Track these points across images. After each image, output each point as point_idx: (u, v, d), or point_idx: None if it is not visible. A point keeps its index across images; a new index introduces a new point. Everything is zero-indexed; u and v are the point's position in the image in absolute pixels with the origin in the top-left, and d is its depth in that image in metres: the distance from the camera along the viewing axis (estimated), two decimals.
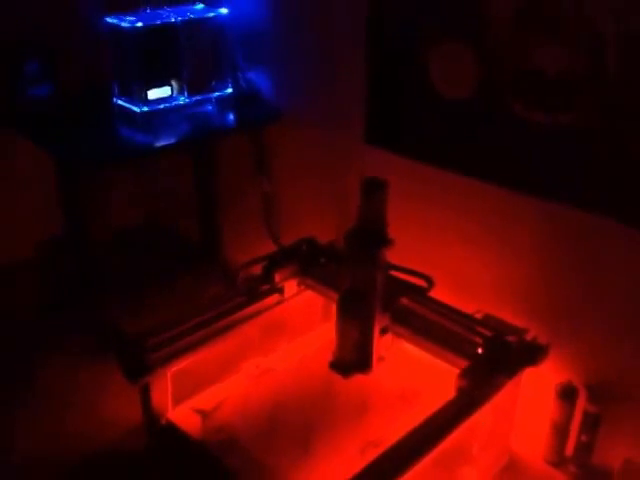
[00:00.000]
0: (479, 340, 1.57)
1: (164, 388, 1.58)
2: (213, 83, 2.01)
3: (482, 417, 1.58)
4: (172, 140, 1.88)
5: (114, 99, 1.95)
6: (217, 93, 2.04)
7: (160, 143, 1.85)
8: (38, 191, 2.38)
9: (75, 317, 2.15)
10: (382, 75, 1.82)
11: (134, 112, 1.89)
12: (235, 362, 1.75)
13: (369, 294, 1.58)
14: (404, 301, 1.67)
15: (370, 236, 1.54)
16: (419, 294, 1.66)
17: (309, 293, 1.90)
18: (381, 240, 1.54)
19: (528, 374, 1.62)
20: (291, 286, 1.84)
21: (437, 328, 1.64)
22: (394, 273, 1.67)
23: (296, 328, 1.89)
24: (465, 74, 1.62)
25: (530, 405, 1.70)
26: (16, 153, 2.26)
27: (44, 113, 1.97)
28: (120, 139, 1.91)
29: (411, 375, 1.72)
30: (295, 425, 1.56)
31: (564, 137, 1.51)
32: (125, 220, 2.60)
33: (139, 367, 1.52)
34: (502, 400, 1.58)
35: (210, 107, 2.03)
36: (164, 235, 2.73)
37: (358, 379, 1.65)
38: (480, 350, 1.55)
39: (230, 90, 2.08)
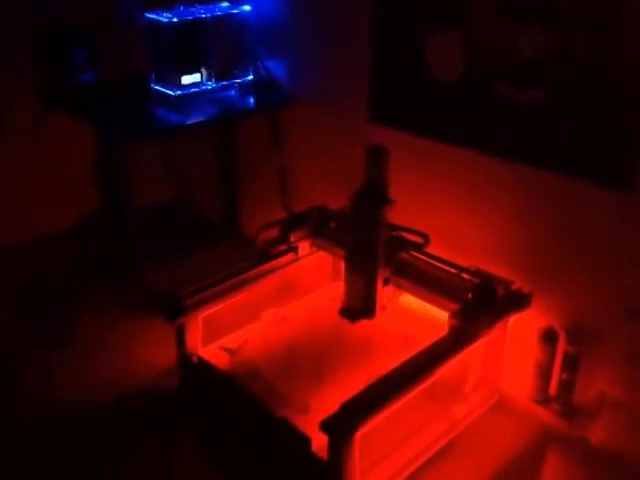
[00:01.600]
0: (469, 287, 1.80)
1: (196, 330, 1.83)
2: (236, 71, 2.28)
3: (473, 356, 1.82)
4: (201, 119, 2.15)
5: (151, 85, 2.23)
6: (239, 79, 2.31)
7: (191, 121, 2.11)
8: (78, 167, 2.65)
9: (112, 282, 2.41)
10: (384, 61, 2.07)
11: (169, 95, 2.17)
12: (255, 311, 1.99)
13: (373, 249, 1.82)
14: (403, 256, 1.90)
15: (374, 197, 1.78)
16: (416, 249, 1.90)
17: (320, 254, 2.14)
18: (383, 200, 1.78)
19: (514, 321, 1.85)
20: (304, 247, 2.09)
21: (432, 279, 1.87)
22: (394, 232, 1.91)
23: (308, 284, 2.13)
24: (455, 58, 1.87)
25: (516, 349, 1.92)
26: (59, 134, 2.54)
27: (90, 96, 2.26)
28: (157, 118, 2.19)
29: (411, 322, 1.95)
30: (309, 360, 1.79)
31: (540, 111, 1.75)
32: (151, 196, 2.86)
33: (176, 310, 1.77)
34: (491, 342, 1.82)
35: (233, 92, 2.30)
36: (187, 210, 2.99)
37: (364, 324, 1.89)
38: (470, 295, 1.78)
39: (251, 77, 2.35)
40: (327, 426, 1.43)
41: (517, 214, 1.90)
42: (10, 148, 2.50)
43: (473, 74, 1.84)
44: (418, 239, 1.89)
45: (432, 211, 2.04)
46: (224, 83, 2.28)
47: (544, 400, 1.93)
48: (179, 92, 2.17)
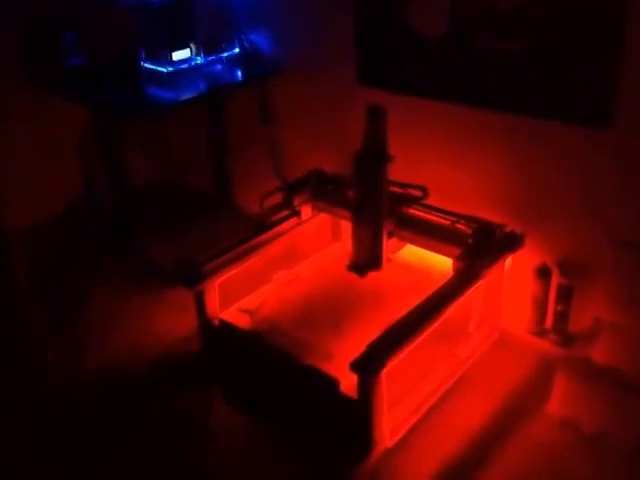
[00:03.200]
0: (469, 233, 1.98)
1: (213, 295, 1.97)
2: (223, 44, 2.39)
3: (475, 296, 2.01)
4: (193, 94, 2.25)
5: (142, 63, 2.32)
6: (226, 53, 2.42)
7: (184, 97, 2.22)
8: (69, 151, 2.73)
9: (118, 258, 2.52)
10: (369, 23, 2.21)
11: (161, 72, 2.27)
12: (264, 276, 2.14)
13: (377, 204, 1.98)
14: (404, 209, 2.08)
15: (375, 154, 1.93)
16: (416, 202, 2.06)
17: (320, 217, 2.29)
18: (384, 157, 1.93)
19: (510, 261, 2.05)
20: (306, 211, 2.24)
21: (433, 228, 2.06)
22: (394, 188, 2.08)
23: (310, 247, 2.28)
24: (440, 13, 2.02)
25: (513, 287, 2.13)
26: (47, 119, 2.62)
27: (82, 78, 2.34)
28: (151, 95, 2.29)
29: (415, 271, 2.13)
30: (326, 312, 1.96)
31: (523, 59, 1.92)
32: (142, 176, 2.95)
33: (195, 276, 1.90)
34: (491, 282, 2.01)
35: (220, 66, 2.41)
36: (180, 187, 3.10)
37: (372, 276, 2.05)
38: (470, 240, 1.96)
39: (237, 50, 2.46)
40: (357, 365, 1.60)
41: (506, 160, 2.08)
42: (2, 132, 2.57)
43: (458, 28, 2.00)
44: (417, 193, 2.06)
45: (427, 165, 2.20)
46: (212, 57, 2.39)
47: (542, 332, 2.14)
48: (171, 68, 2.27)
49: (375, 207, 1.99)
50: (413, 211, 2.09)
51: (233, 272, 2.00)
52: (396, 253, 2.14)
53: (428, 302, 1.80)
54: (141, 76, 2.32)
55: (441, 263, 2.07)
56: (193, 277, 1.90)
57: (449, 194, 2.15)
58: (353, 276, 2.06)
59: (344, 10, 2.23)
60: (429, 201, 2.06)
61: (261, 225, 2.12)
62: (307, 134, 2.54)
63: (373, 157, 1.94)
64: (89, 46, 2.28)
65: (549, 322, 2.13)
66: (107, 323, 2.26)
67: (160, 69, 2.28)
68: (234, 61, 2.44)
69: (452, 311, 1.84)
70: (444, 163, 2.19)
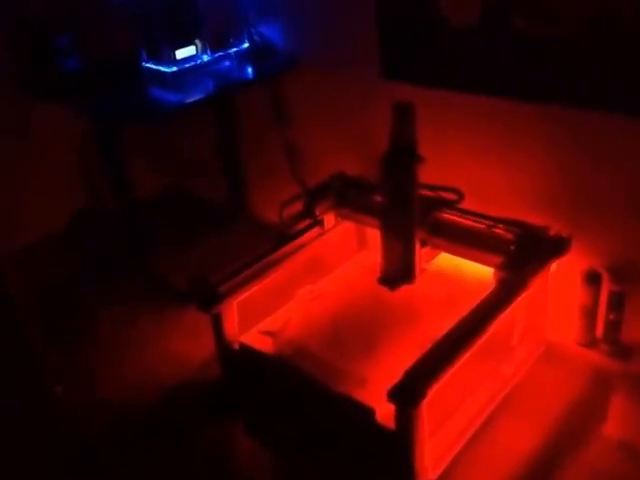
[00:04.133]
0: (510, 239, 1.83)
1: (232, 317, 1.82)
2: (231, 39, 2.23)
3: (519, 308, 1.85)
4: (201, 95, 2.10)
5: (143, 64, 2.16)
6: (235, 49, 2.27)
7: (191, 99, 2.06)
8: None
9: (128, 276, 2.39)
10: (392, 10, 2.05)
11: (164, 73, 2.11)
12: (287, 292, 1.99)
13: (408, 209, 1.82)
14: (438, 214, 1.92)
15: (404, 154, 1.77)
16: (451, 206, 1.91)
17: (344, 225, 2.14)
18: (414, 157, 1.77)
19: (555, 267, 1.89)
20: (329, 219, 2.09)
21: (471, 234, 1.90)
22: (426, 191, 1.92)
23: (335, 257, 2.13)
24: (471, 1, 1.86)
25: (560, 295, 1.97)
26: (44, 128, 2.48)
27: (79, 83, 2.19)
28: (154, 98, 2.14)
29: (452, 283, 1.97)
30: (357, 332, 1.81)
31: (564, 46, 1.75)
32: (152, 186, 2.82)
33: (211, 298, 1.76)
34: (535, 291, 1.85)
35: (229, 62, 2.26)
36: (192, 197, 2.95)
37: (405, 290, 1.89)
38: (512, 247, 1.81)
39: (247, 45, 2.30)
40: (395, 396, 1.45)
41: (547, 157, 1.91)
42: None
43: (491, 15, 1.84)
44: (451, 196, 1.90)
45: (460, 166, 2.04)
46: (220, 54, 2.23)
47: (592, 342, 1.99)
48: (175, 68, 2.11)
49: (406, 213, 1.83)
50: (447, 216, 1.93)
51: (252, 290, 1.86)
52: (430, 262, 1.99)
53: (470, 318, 1.64)
54: (143, 78, 2.17)
55: (479, 272, 1.92)
56: (209, 299, 1.76)
57: (486, 196, 1.99)
58: (383, 290, 1.91)
59: None
60: (464, 205, 1.90)
61: (281, 237, 1.97)
62: (327, 134, 2.37)
63: (402, 158, 1.78)
64: (86, 48, 2.13)
65: (600, 332, 1.98)
66: (118, 349, 2.13)
67: (163, 69, 2.12)
68: (244, 57, 2.28)
69: (496, 326, 1.70)
70: (479, 163, 2.03)
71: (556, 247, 1.86)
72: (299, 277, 2.04)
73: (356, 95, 2.22)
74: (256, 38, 2.33)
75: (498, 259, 1.80)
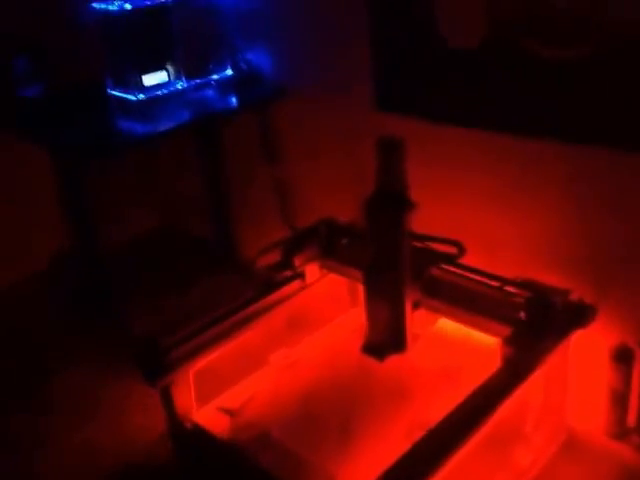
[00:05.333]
0: (521, 304, 1.53)
1: (187, 389, 1.56)
2: (211, 65, 2.00)
3: (532, 389, 1.55)
4: (171, 125, 1.86)
5: (108, 91, 1.95)
6: (216, 76, 2.04)
7: (161, 129, 1.83)
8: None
9: (94, 329, 2.15)
10: (387, 35, 1.80)
11: (130, 101, 1.88)
12: (260, 356, 1.73)
13: (396, 265, 1.55)
14: (434, 271, 1.64)
15: (391, 200, 1.51)
16: (449, 262, 1.63)
17: (332, 277, 1.87)
18: (403, 203, 1.50)
19: (577, 339, 1.57)
20: (313, 271, 1.82)
21: (473, 296, 1.60)
22: (420, 243, 1.65)
23: (322, 316, 1.86)
24: (474, 20, 1.60)
25: (583, 374, 1.65)
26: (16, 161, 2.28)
27: (38, 111, 1.98)
28: (118, 129, 1.90)
29: (451, 352, 1.68)
30: (332, 414, 1.52)
31: (581, 73, 1.47)
32: (135, 225, 2.61)
33: (157, 368, 1.50)
34: (552, 369, 1.54)
35: (211, 91, 2.03)
36: (177, 237, 2.73)
37: (394, 361, 1.61)
38: (523, 314, 1.51)
39: (230, 72, 2.07)
40: None
41: (567, 204, 1.61)
42: None
43: (498, 34, 1.57)
44: (450, 249, 1.62)
45: (462, 212, 1.76)
46: (197, 82, 1.99)
47: (622, 433, 1.66)
48: (142, 96, 1.88)
49: (394, 269, 1.55)
50: (446, 274, 1.65)
51: (212, 357, 1.60)
52: (426, 329, 1.71)
53: (470, 404, 1.34)
54: (107, 107, 1.95)
55: (485, 341, 1.62)
56: (155, 370, 1.51)
57: (492, 251, 1.70)
58: (371, 360, 1.64)
59: (357, 20, 1.83)
60: (466, 260, 1.62)
61: (254, 291, 1.72)
62: (319, 171, 2.12)
63: (390, 204, 1.52)
64: (46, 72, 1.93)
65: (632, 421, 1.65)
66: (69, 418, 1.88)
67: (128, 97, 1.90)
68: (227, 85, 2.04)
69: (503, 412, 1.40)
70: (485, 210, 1.74)
71: (578, 316, 1.54)
72: (275, 338, 1.77)
73: (349, 130, 1.96)
74: (243, 66, 2.10)
75: (506, 329, 1.50)
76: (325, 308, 1.86)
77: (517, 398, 1.45)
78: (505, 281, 1.59)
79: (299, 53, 2.05)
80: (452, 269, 1.64)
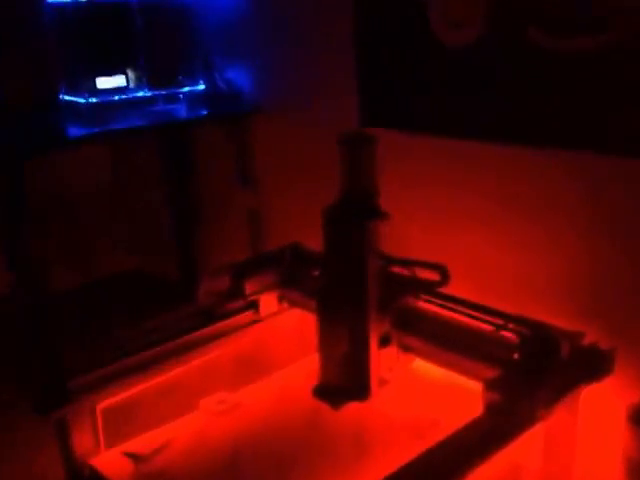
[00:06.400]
0: (514, 343, 1.23)
1: (89, 427, 1.26)
2: (180, 77, 1.83)
3: (526, 451, 1.21)
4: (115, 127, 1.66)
5: (60, 95, 1.77)
6: (186, 88, 1.85)
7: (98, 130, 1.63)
8: None
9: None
10: (373, 43, 1.61)
11: (79, 104, 1.70)
12: (193, 398, 1.42)
13: (359, 286, 1.27)
14: (409, 300, 1.34)
15: (356, 208, 1.24)
16: (429, 290, 1.34)
17: (296, 312, 1.59)
18: (371, 211, 1.24)
19: (588, 394, 1.25)
20: (269, 302, 1.54)
21: (457, 334, 1.29)
22: (394, 267, 1.37)
23: (277, 357, 1.55)
24: (472, 11, 1.39)
25: (594, 437, 1.33)
26: None
27: None
28: (57, 130, 1.70)
29: (427, 402, 1.35)
30: (264, 472, 1.20)
31: (597, 67, 1.24)
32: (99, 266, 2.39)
33: (53, 395, 1.22)
34: (554, 428, 1.21)
35: (178, 105, 1.84)
36: (141, 278, 2.48)
37: (354, 410, 1.29)
38: (516, 355, 1.20)
39: (202, 87, 1.89)
40: None
41: (576, 227, 1.35)
42: None
43: (499, 26, 1.35)
44: (431, 275, 1.34)
45: (449, 236, 1.50)
46: (162, 92, 1.80)
47: None
48: (93, 99, 1.69)
49: (357, 294, 1.27)
50: (424, 304, 1.36)
51: (128, 393, 1.31)
52: (397, 372, 1.39)
53: (438, 464, 1.03)
54: (60, 112, 1.77)
55: (473, 389, 1.31)
56: (49, 398, 1.22)
57: (482, 279, 1.43)
58: (325, 408, 1.32)
59: (342, 26, 1.66)
60: (450, 289, 1.34)
61: (192, 319, 1.44)
62: (297, 201, 1.88)
63: (353, 212, 1.26)
64: None
65: None
66: None
67: (79, 100, 1.72)
68: (197, 100, 1.86)
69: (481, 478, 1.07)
70: (475, 231, 1.47)
71: (588, 365, 1.23)
72: (215, 379, 1.47)
73: (331, 151, 1.75)
74: (220, 84, 1.92)
75: (492, 372, 1.20)
76: (282, 348, 1.55)
77: (504, 461, 1.12)
78: (496, 314, 1.28)
79: (278, 68, 1.87)
80: (432, 299, 1.36)
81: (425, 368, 1.39)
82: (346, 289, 1.26)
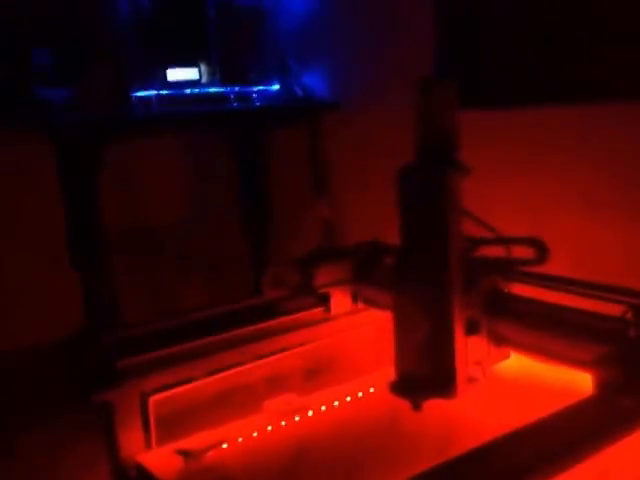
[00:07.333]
0: (627, 318, 1.02)
1: (136, 418, 1.14)
2: (253, 75, 1.77)
3: None
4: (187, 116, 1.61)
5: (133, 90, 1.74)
6: (260, 87, 1.79)
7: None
8: None
9: None
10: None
11: (149, 98, 1.66)
12: (257, 400, 1.28)
13: (439, 257, 1.10)
14: (500, 281, 1.16)
15: (434, 160, 1.10)
16: (525, 267, 1.15)
17: (372, 314, 1.42)
18: (451, 161, 1.09)
19: None
20: (342, 299, 1.38)
21: (561, 317, 1.10)
22: (483, 244, 1.20)
23: (350, 362, 1.38)
24: None
25: None
26: None
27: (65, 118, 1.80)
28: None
29: (525, 409, 1.14)
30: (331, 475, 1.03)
31: None
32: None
33: (102, 374, 1.11)
34: None
35: (251, 102, 1.78)
36: None
37: (436, 416, 1.11)
38: (632, 331, 0.99)
39: (276, 87, 1.82)
40: None
41: None
42: None
43: None
44: (527, 251, 1.16)
45: (550, 216, 1.31)
46: (234, 89, 1.76)
47: None
48: (165, 91, 1.66)
49: (436, 265, 1.11)
50: (522, 286, 1.18)
51: (188, 387, 1.19)
52: (487, 369, 1.20)
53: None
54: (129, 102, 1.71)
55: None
56: (98, 377, 1.11)
57: (582, 258, 1.23)
58: (406, 415, 1.15)
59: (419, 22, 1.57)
60: (551, 268, 1.16)
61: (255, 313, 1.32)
62: (373, 209, 1.75)
63: (430, 164, 1.11)
64: (76, 71, 1.76)
65: None
66: None
67: (149, 93, 1.67)
68: (269, 100, 1.79)
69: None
70: (578, 212, 1.29)
71: None
72: (282, 381, 1.32)
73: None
74: (296, 88, 1.86)
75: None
76: (356, 354, 1.39)
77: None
78: (606, 289, 1.08)
79: (354, 69, 1.79)
80: (529, 278, 1.17)
81: (526, 364, 1.20)
82: (426, 260, 1.11)
